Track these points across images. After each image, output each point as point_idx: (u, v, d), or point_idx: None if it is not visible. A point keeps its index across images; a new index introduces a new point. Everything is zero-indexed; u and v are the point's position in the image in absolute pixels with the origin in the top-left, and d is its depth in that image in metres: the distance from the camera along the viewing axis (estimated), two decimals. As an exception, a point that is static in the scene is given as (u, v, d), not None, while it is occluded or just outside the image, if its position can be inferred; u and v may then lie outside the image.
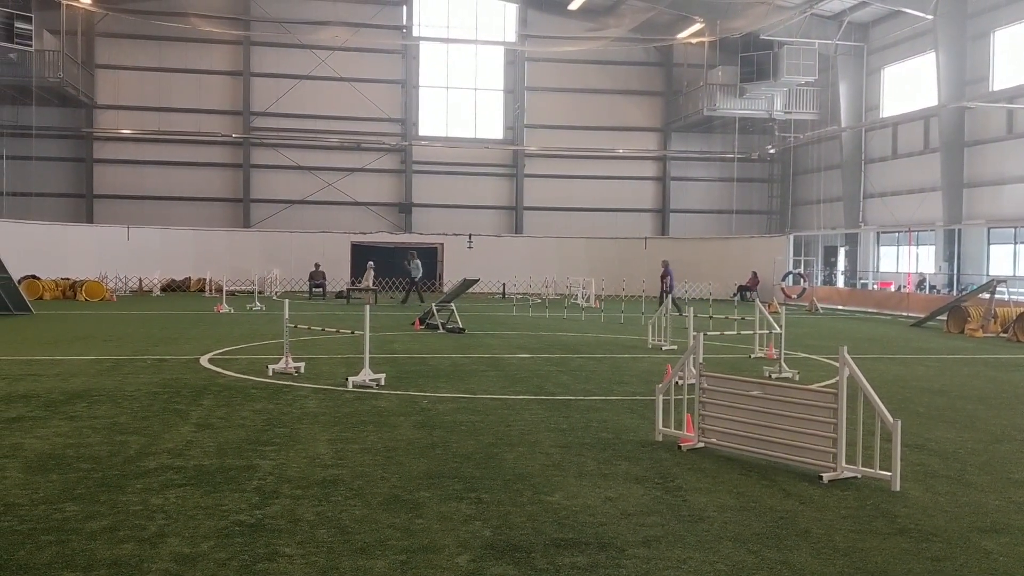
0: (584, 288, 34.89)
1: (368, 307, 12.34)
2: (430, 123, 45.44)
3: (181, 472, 7.15)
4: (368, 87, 44.07)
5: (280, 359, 13.29)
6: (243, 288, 36.29)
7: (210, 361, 14.57)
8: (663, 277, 30.07)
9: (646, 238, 44.21)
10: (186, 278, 39.12)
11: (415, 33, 44.67)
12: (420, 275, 33.65)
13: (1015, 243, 32.83)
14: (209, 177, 43.47)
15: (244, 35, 42.70)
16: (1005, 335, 22.19)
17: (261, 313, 26.88)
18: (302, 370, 13.13)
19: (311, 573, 4.93)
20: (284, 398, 10.97)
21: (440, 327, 21.11)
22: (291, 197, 43.74)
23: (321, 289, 37.12)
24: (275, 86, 43.36)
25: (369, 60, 44.21)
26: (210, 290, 36.30)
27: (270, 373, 12.89)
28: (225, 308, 27.35)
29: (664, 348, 17.49)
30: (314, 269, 37.87)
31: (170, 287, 38.33)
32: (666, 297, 30.21)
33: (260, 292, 33.01)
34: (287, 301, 14.34)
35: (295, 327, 13.85)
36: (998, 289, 24.55)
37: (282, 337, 13.60)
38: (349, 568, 5.02)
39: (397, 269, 39.77)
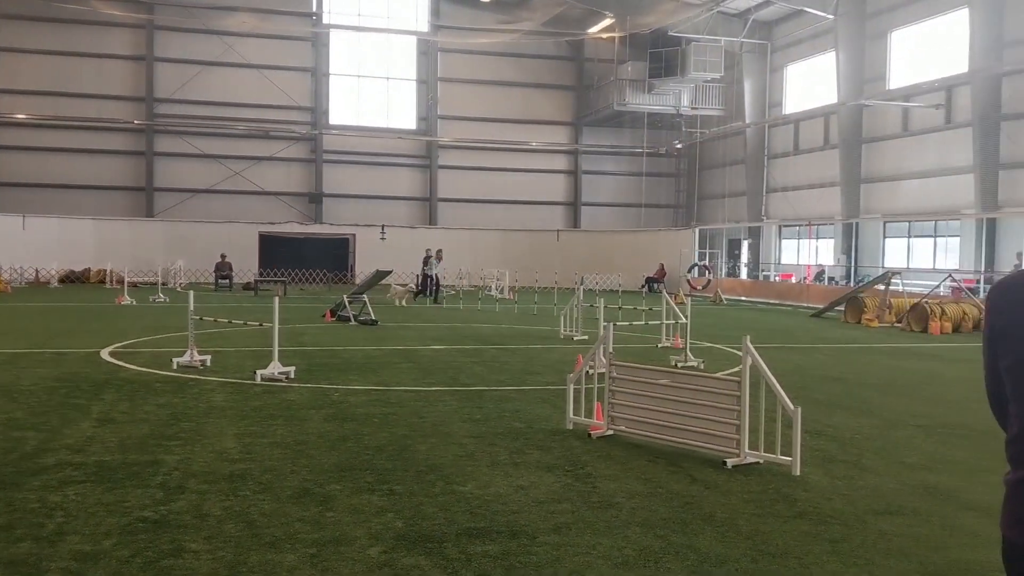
0: (498, 280, 35.01)
1: (277, 299, 12.14)
2: (341, 112, 44.82)
3: (81, 468, 6.93)
4: (277, 74, 43.21)
5: (185, 352, 12.96)
6: (146, 279, 35.24)
7: (111, 355, 14.12)
8: (426, 262, 31.26)
9: (558, 231, 44.59)
10: (86, 269, 37.79)
11: (325, 20, 43.98)
12: (436, 272, 31.51)
13: (909, 237, 34.25)
14: (110, 165, 42.00)
15: (147, 19, 41.34)
16: (899, 325, 23.16)
17: (165, 305, 26.16)
18: (208, 363, 12.84)
19: (218, 568, 4.85)
20: (190, 392, 10.72)
21: (352, 319, 20.90)
22: (196, 186, 42.61)
23: (228, 281, 36.32)
24: (180, 72, 42.12)
25: (278, 47, 43.33)
26: (111, 282, 35.14)
27: (175, 367, 12.57)
28: (127, 300, 26.50)
29: (576, 338, 17.69)
30: (220, 260, 37.01)
31: (69, 278, 36.95)
32: (432, 285, 31.13)
33: (164, 284, 32.13)
34: (192, 293, 13.98)
35: (200, 319, 13.51)
36: (893, 281, 25.60)
37: (187, 330, 13.27)
38: (258, 562, 4.95)
39: (308, 261, 39.20)
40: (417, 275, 33.31)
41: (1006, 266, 28.46)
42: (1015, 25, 28.86)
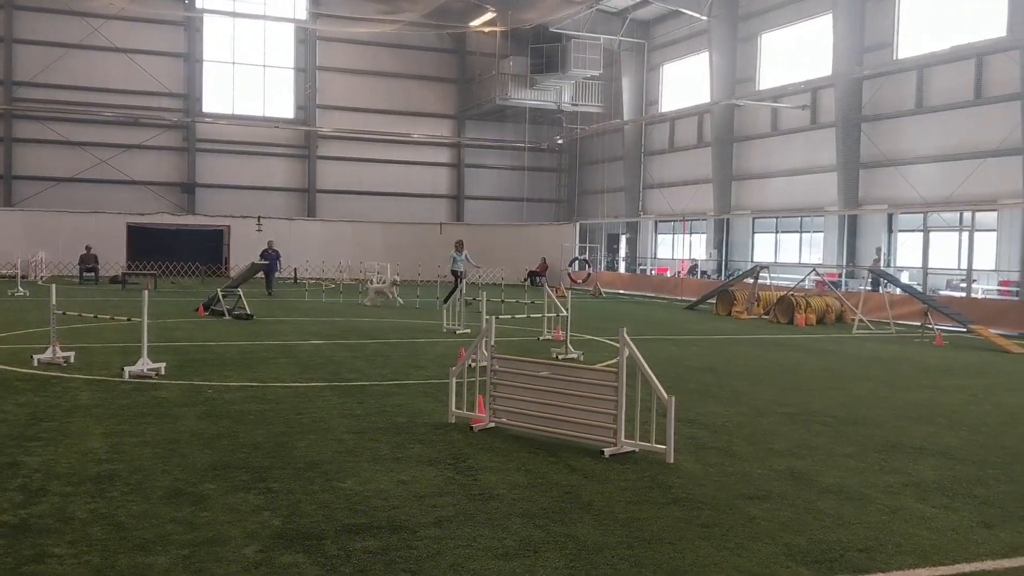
0: (379, 273, 34.64)
1: (147, 292, 11.70)
2: (215, 100, 43.37)
3: (-69, 474, 6.51)
4: (147, 59, 41.47)
5: (47, 348, 12.34)
6: (4, 272, 33.35)
7: (-35, 352, 13.32)
8: (265, 254, 30.79)
9: (441, 224, 44.47)
10: (-65, 261, 35.51)
11: (198, 5, 42.47)
12: (460, 268, 25.79)
13: (777, 232, 35.72)
14: (-38, 150, 39.52)
15: (4, -4, 39.04)
16: (767, 317, 24.14)
17: (25, 299, 24.84)
18: (72, 360, 12.26)
19: (84, 573, 4.64)
20: (52, 390, 10.22)
21: (226, 313, 20.31)
22: (60, 174, 40.51)
23: (93, 273, 34.77)
24: (42, 54, 39.92)
25: (148, 31, 41.60)
26: (-35, 274, 33.11)
27: (36, 363, 11.95)
28: (-17, 294, 25.07)
29: (458, 332, 17.73)
30: (85, 252, 35.37)
31: (-84, 271, 34.64)
32: (271, 282, 30.66)
33: (24, 277, 30.49)
34: (54, 286, 13.31)
35: (63, 314, 12.89)
36: (761, 274, 26.66)
37: (49, 325, 12.63)
38: (127, 566, 4.77)
39: (180, 253, 37.83)
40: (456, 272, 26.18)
41: (866, 260, 30.00)
42: (874, 32, 30.43)
